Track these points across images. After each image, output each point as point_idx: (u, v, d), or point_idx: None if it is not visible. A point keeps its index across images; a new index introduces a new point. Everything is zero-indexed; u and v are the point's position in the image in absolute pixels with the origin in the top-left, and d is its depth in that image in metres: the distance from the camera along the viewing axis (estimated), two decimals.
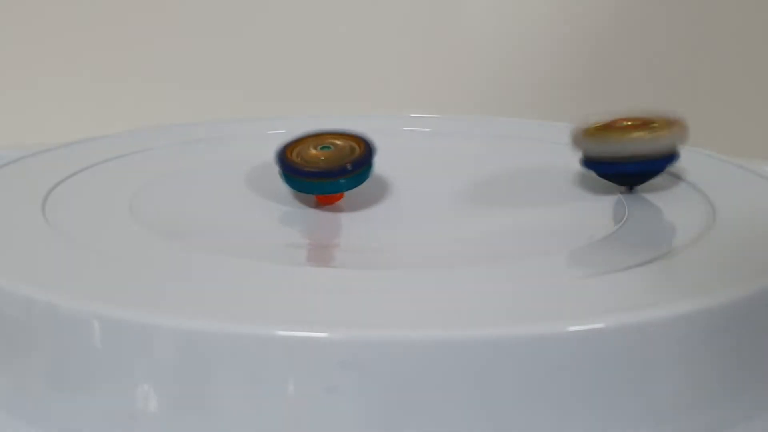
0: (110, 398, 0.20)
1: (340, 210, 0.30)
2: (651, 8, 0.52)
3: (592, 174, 0.30)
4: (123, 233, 0.25)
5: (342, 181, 0.29)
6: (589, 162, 0.29)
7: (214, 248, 0.25)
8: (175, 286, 0.21)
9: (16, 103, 0.52)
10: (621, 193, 0.29)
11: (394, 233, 0.28)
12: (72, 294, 0.20)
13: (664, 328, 0.20)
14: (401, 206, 0.30)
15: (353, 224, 0.29)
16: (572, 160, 0.30)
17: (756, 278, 0.21)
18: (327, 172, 0.29)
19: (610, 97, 0.53)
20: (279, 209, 0.29)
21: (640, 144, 0.28)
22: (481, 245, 0.27)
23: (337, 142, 0.30)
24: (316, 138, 0.30)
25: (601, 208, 0.29)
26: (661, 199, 0.29)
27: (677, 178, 0.30)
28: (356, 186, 0.29)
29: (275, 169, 0.30)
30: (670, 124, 0.28)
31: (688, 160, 0.30)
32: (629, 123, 0.29)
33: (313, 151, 0.30)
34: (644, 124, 0.28)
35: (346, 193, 0.30)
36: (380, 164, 0.30)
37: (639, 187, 0.29)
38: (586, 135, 0.29)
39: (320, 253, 0.28)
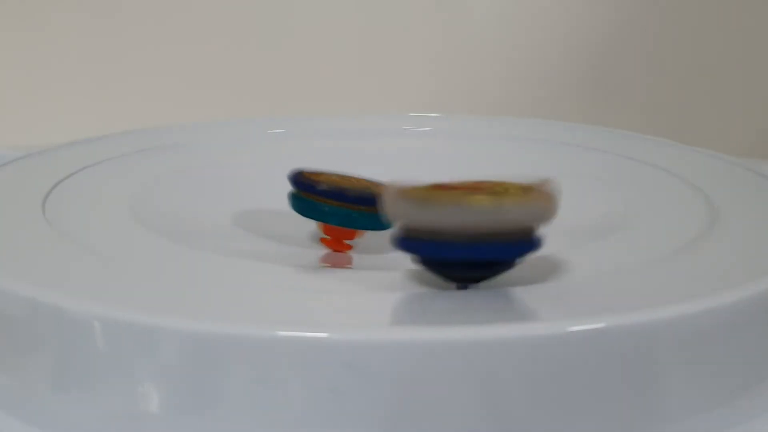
0: (113, 400, 0.20)
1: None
2: (653, 8, 0.52)
3: (592, 174, 0.29)
4: (123, 233, 0.25)
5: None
6: (405, 239, 0.21)
7: (216, 249, 0.25)
8: (177, 288, 0.21)
9: (16, 103, 0.52)
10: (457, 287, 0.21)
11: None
12: (72, 295, 0.20)
13: (665, 328, 0.20)
14: None
15: None
16: (573, 160, 0.30)
17: (757, 279, 0.21)
18: (339, 194, 0.25)
19: (612, 97, 0.53)
20: (280, 209, 0.29)
21: (478, 214, 0.20)
22: None
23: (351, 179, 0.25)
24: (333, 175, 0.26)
25: (602, 208, 0.29)
26: (662, 198, 0.29)
27: (678, 177, 0.30)
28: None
29: (275, 169, 0.29)
30: (526, 191, 0.21)
31: (690, 160, 0.30)
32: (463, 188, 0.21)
33: (337, 179, 0.25)
34: (492, 187, 0.21)
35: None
36: (380, 164, 0.30)
37: (639, 188, 0.29)
38: (404, 196, 0.21)
39: (323, 254, 0.28)
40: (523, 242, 0.20)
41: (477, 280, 0.21)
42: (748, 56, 0.52)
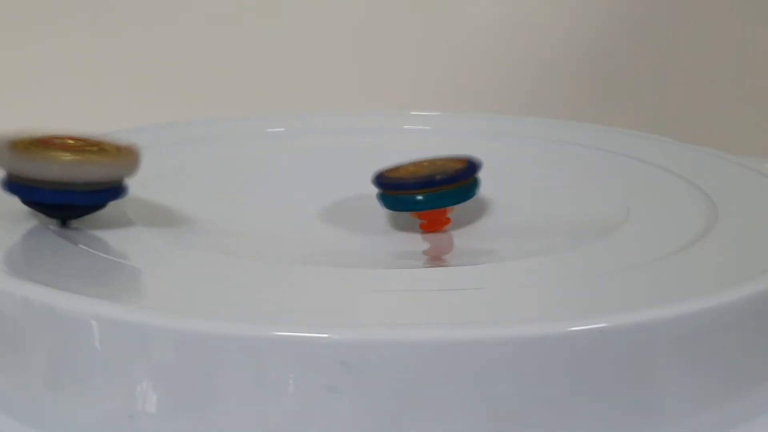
0: (108, 399, 0.20)
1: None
2: (652, 7, 0.52)
3: (593, 174, 0.29)
4: (122, 233, 0.25)
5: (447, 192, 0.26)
6: (12, 184, 0.24)
7: (214, 248, 0.25)
8: (174, 287, 0.21)
9: (16, 103, 0.52)
10: (54, 226, 0.25)
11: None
12: (71, 294, 0.20)
13: (666, 327, 0.20)
14: None
15: (352, 223, 0.29)
16: (573, 159, 0.30)
17: (758, 278, 0.21)
18: (427, 181, 0.27)
19: (611, 95, 0.53)
20: (278, 208, 0.29)
21: (61, 168, 0.24)
22: (480, 246, 0.26)
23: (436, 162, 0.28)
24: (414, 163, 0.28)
25: (602, 207, 0.28)
26: (663, 198, 0.29)
27: (679, 177, 0.30)
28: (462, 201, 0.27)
29: (275, 169, 0.29)
30: (117, 151, 0.25)
31: (689, 158, 0.30)
32: (70, 142, 0.25)
33: (411, 168, 0.28)
34: (85, 146, 0.24)
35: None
36: (380, 163, 0.30)
37: (639, 186, 0.29)
38: (11, 148, 0.24)
39: (320, 252, 0.28)
40: (107, 191, 0.25)
41: (72, 218, 0.25)
42: (749, 55, 0.52)
